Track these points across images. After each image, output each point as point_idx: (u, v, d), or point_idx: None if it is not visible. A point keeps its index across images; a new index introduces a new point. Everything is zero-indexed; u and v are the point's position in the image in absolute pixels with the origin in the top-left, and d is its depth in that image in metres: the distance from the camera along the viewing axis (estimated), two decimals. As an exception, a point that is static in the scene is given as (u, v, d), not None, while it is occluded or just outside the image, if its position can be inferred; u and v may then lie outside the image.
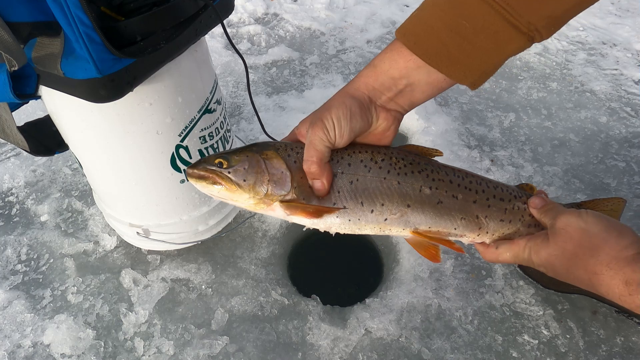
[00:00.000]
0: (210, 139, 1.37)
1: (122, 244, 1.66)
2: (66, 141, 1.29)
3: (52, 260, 1.64)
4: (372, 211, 0.83)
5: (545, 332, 1.40)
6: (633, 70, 2.44)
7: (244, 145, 0.96)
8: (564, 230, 0.79)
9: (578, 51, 2.61)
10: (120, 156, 1.23)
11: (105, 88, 0.97)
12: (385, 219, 0.85)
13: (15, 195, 1.89)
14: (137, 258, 1.62)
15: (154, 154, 1.25)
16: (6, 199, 1.88)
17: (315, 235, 1.84)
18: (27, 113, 2.19)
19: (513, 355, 1.35)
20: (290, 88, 2.40)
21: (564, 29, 2.86)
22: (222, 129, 1.43)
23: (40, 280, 1.58)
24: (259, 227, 1.67)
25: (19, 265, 1.63)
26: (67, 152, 1.36)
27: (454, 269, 1.54)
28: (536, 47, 2.64)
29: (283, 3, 3.14)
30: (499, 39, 0.74)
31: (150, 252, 1.62)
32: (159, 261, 1.59)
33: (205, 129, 1.33)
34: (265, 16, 3.04)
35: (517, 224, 0.92)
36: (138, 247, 1.63)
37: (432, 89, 0.83)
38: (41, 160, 2.02)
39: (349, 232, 0.88)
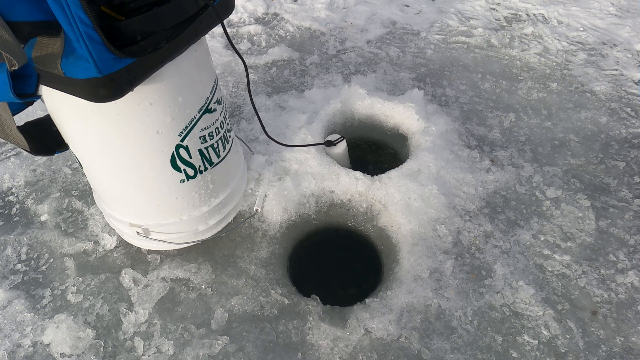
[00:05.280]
0: (210, 139, 1.37)
1: (122, 244, 1.66)
2: (66, 141, 1.29)
3: (52, 260, 1.64)
4: None
5: (545, 332, 1.40)
6: (633, 70, 2.45)
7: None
8: None
9: (578, 51, 2.61)
10: (120, 156, 1.23)
11: (105, 88, 0.97)
12: None
13: (15, 194, 1.89)
14: (137, 258, 1.62)
15: (154, 153, 1.25)
16: (6, 199, 1.88)
17: (315, 235, 1.84)
18: (27, 112, 2.19)
19: (513, 355, 1.35)
20: (291, 88, 2.40)
21: (564, 29, 2.87)
22: (222, 128, 1.43)
23: (40, 279, 1.58)
24: (259, 227, 1.67)
25: (19, 264, 1.63)
26: (67, 151, 1.36)
27: (454, 269, 1.54)
28: (536, 47, 2.64)
29: (283, 3, 3.14)
30: None
31: (150, 251, 1.62)
32: (158, 261, 1.59)
33: (205, 128, 1.33)
34: (265, 16, 3.04)
35: None
36: (138, 247, 1.63)
37: None
38: (41, 159, 2.02)
39: None
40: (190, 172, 1.36)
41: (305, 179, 1.74)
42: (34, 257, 1.66)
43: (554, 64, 2.52)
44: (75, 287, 1.55)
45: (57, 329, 1.42)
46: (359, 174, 1.76)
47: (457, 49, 2.67)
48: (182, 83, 1.19)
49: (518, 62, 2.54)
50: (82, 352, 1.38)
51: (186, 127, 1.26)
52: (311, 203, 1.73)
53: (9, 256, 1.66)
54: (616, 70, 2.46)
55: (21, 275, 1.60)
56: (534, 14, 2.97)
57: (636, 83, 2.37)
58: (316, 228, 1.80)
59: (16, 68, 0.86)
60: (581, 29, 2.79)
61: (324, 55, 2.65)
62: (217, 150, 1.42)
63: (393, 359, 1.35)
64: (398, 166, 1.81)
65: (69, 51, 0.91)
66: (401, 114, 2.04)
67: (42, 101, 1.17)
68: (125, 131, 1.17)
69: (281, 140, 1.82)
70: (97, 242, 1.68)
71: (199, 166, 1.38)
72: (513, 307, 1.46)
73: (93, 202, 1.81)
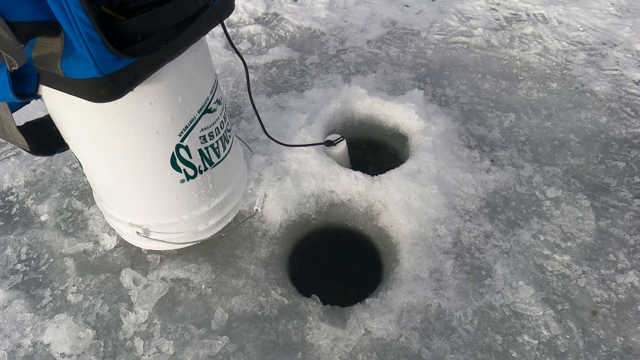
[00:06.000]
0: (210, 139, 1.37)
1: (122, 244, 1.66)
2: (66, 141, 1.29)
3: (52, 260, 1.64)
4: None
5: (545, 332, 1.40)
6: (633, 70, 2.45)
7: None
8: None
9: (578, 51, 2.61)
10: (120, 156, 1.23)
11: (105, 88, 0.97)
12: None
13: (15, 194, 1.89)
14: (137, 258, 1.62)
15: (154, 153, 1.25)
16: (6, 199, 1.88)
17: (315, 235, 1.84)
18: (27, 113, 2.19)
19: (513, 355, 1.35)
20: (290, 88, 2.40)
21: (564, 29, 2.87)
22: (222, 128, 1.43)
23: (40, 279, 1.58)
24: (259, 227, 1.67)
25: (19, 264, 1.63)
26: (67, 151, 1.36)
27: (454, 269, 1.54)
28: (536, 47, 2.64)
29: (283, 3, 3.14)
30: None
31: (150, 251, 1.62)
32: (158, 261, 1.59)
33: (205, 128, 1.33)
34: (265, 16, 3.04)
35: None
36: (138, 247, 1.63)
37: None
38: (41, 159, 2.02)
39: None
40: (190, 172, 1.36)
41: (305, 179, 1.74)
42: (34, 257, 1.66)
43: (554, 64, 2.52)
44: (75, 287, 1.55)
45: (57, 329, 1.42)
46: (359, 174, 1.76)
47: (457, 49, 2.67)
48: (182, 83, 1.19)
49: (518, 62, 2.54)
50: (82, 352, 1.38)
51: (186, 127, 1.26)
52: (311, 203, 1.73)
53: (9, 256, 1.66)
54: (616, 70, 2.46)
55: (21, 275, 1.60)
56: (534, 14, 2.97)
57: (636, 83, 2.37)
58: (316, 228, 1.80)
59: (16, 68, 0.86)
60: (581, 29, 2.79)
61: (324, 55, 2.65)
62: (217, 150, 1.42)
63: (393, 359, 1.35)
64: (398, 166, 1.81)
65: (69, 51, 0.91)
66: (401, 114, 2.04)
67: (42, 101, 1.17)
68: (125, 131, 1.17)
69: (281, 140, 1.82)
70: (97, 242, 1.68)
71: (199, 166, 1.38)
72: (513, 307, 1.46)
73: (93, 202, 1.81)
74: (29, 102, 1.30)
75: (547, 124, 2.14)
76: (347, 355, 1.35)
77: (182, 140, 1.27)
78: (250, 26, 2.92)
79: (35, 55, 0.97)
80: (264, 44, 2.78)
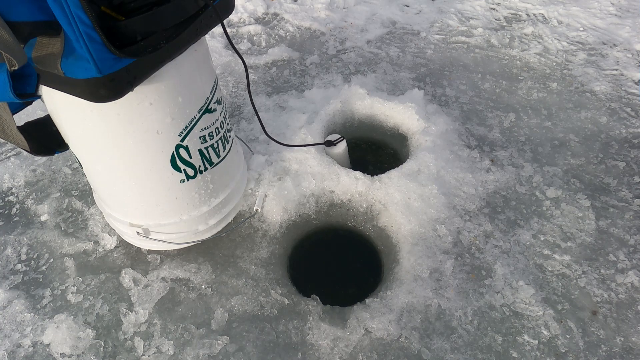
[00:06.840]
0: (210, 139, 1.37)
1: (122, 244, 1.66)
2: (66, 141, 1.29)
3: (52, 260, 1.64)
4: None
5: (545, 332, 1.40)
6: (633, 70, 2.45)
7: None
8: None
9: (578, 51, 2.61)
10: (120, 156, 1.23)
11: (105, 88, 0.97)
12: None
13: (15, 194, 1.89)
14: (137, 258, 1.62)
15: (154, 153, 1.25)
16: (6, 199, 1.88)
17: (315, 235, 1.84)
18: (27, 113, 2.19)
19: (513, 355, 1.35)
20: (290, 88, 2.40)
21: (564, 29, 2.87)
22: (222, 128, 1.43)
23: (40, 279, 1.58)
24: (259, 227, 1.67)
25: (19, 264, 1.63)
26: (67, 151, 1.36)
27: (454, 269, 1.54)
28: (536, 47, 2.64)
29: (283, 3, 3.14)
30: None
31: (150, 251, 1.62)
32: (159, 261, 1.59)
33: (205, 128, 1.33)
34: (265, 16, 3.04)
35: None
36: (138, 247, 1.63)
37: None
38: (41, 159, 2.02)
39: None
40: (190, 172, 1.36)
41: (305, 179, 1.74)
42: (34, 257, 1.66)
43: (554, 64, 2.52)
44: (75, 287, 1.55)
45: (57, 329, 1.42)
46: (359, 174, 1.76)
47: (457, 49, 2.67)
48: (182, 83, 1.19)
49: (518, 62, 2.54)
50: (82, 352, 1.38)
51: (186, 127, 1.26)
52: (311, 203, 1.73)
53: (9, 256, 1.66)
54: (616, 70, 2.46)
55: (21, 275, 1.60)
56: (534, 14, 2.97)
57: (636, 83, 2.37)
58: (316, 228, 1.80)
59: (16, 68, 0.86)
60: (581, 29, 2.79)
61: (324, 55, 2.65)
62: (217, 150, 1.42)
63: (393, 359, 1.34)
64: (398, 166, 1.81)
65: (69, 51, 0.91)
66: (401, 114, 2.04)
67: (42, 101, 1.17)
68: (125, 131, 1.17)
69: (281, 140, 1.82)
70: (97, 242, 1.68)
71: (199, 166, 1.38)
72: (513, 307, 1.46)
73: (93, 202, 1.81)
74: (30, 103, 1.30)
75: (547, 124, 2.14)
76: (347, 355, 1.35)
77: (182, 140, 1.27)
78: (250, 26, 2.92)
79: (35, 55, 0.97)
80: (264, 44, 2.78)
